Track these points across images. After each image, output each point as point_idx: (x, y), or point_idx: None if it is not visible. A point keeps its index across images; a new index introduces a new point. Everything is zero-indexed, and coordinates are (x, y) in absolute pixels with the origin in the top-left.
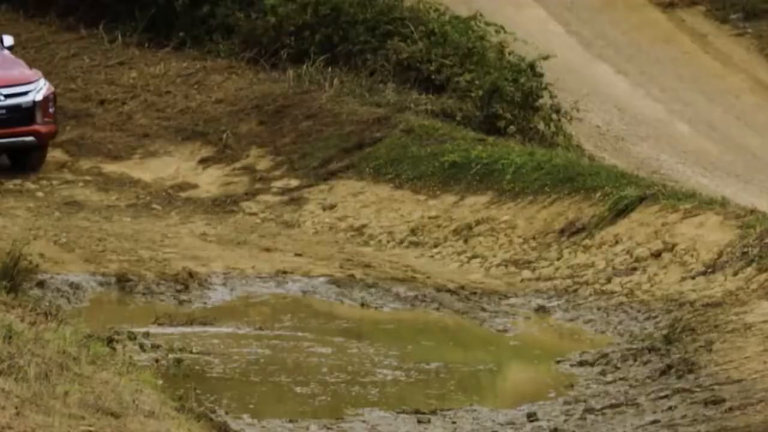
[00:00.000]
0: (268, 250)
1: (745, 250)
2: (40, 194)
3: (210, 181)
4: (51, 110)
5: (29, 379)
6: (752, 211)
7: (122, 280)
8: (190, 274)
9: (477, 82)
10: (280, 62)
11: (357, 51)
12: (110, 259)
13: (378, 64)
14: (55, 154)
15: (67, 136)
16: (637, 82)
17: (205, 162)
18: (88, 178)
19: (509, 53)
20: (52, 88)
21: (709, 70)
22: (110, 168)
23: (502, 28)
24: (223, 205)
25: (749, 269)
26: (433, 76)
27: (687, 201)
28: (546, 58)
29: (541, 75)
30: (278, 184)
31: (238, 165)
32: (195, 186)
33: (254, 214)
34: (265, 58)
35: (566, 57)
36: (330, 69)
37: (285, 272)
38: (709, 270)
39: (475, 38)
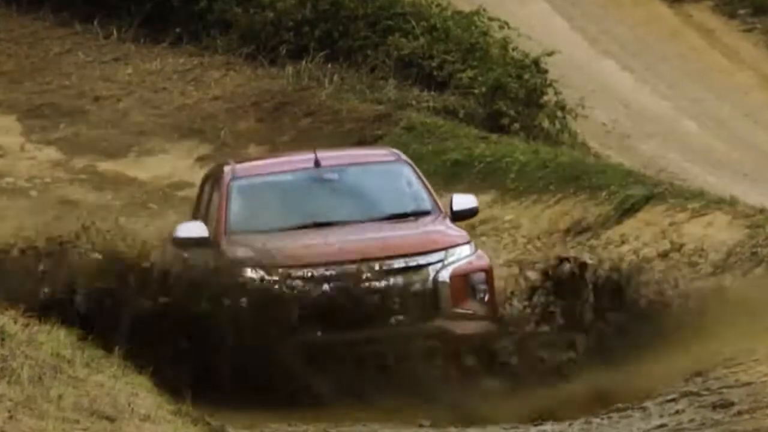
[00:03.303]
0: None
1: (755, 250)
2: (33, 193)
3: None
4: (480, 296)
5: (22, 382)
6: (761, 210)
7: None
8: None
9: (480, 78)
10: (278, 58)
11: (357, 47)
12: None
13: (379, 60)
14: (49, 153)
15: (61, 133)
16: (643, 78)
17: (202, 160)
18: (82, 176)
19: (513, 49)
20: (485, 260)
21: (717, 66)
22: (105, 166)
23: (506, 23)
24: None
25: (758, 269)
26: (435, 73)
27: (695, 200)
28: (550, 54)
29: (546, 71)
30: None
31: None
32: (192, 185)
33: None
34: (264, 53)
35: (571, 53)
36: (330, 65)
37: None
38: (718, 270)
39: (478, 34)
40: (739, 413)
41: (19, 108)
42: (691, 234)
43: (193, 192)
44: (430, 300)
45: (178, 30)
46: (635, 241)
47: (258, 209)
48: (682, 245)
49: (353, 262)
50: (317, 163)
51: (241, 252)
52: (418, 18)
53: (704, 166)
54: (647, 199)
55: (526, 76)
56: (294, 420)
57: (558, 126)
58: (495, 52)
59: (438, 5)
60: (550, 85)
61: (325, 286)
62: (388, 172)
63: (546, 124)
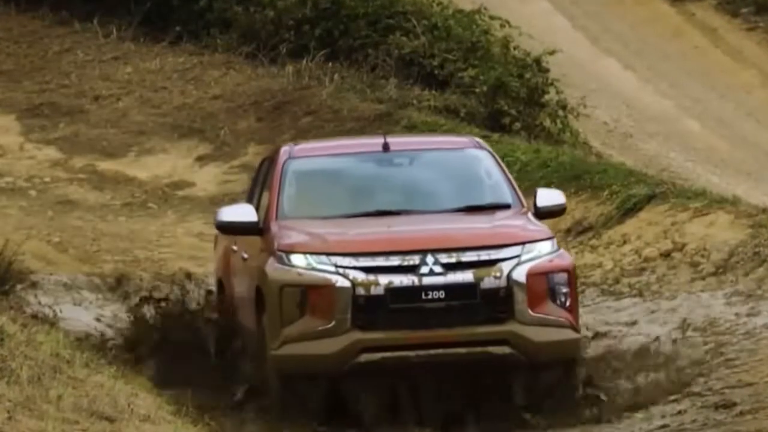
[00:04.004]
0: None
1: (757, 250)
2: (32, 193)
3: (207, 179)
4: (561, 299)
5: (22, 382)
6: (764, 210)
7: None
8: (187, 275)
9: (481, 77)
10: (279, 57)
11: (358, 45)
12: (105, 259)
13: (380, 59)
14: (48, 152)
15: (61, 133)
16: (645, 77)
17: (202, 159)
18: (82, 176)
19: (514, 48)
20: (568, 260)
21: (720, 65)
22: (105, 166)
23: (507, 22)
24: (220, 203)
25: (761, 269)
26: (436, 72)
27: (697, 199)
28: (552, 53)
29: (547, 70)
30: None
31: (236, 162)
32: (192, 184)
33: None
34: (264, 52)
35: (572, 52)
36: (330, 64)
37: None
38: (720, 270)
39: (479, 32)
40: (742, 414)
41: (18, 107)
42: (693, 234)
43: (192, 192)
44: (503, 300)
45: (177, 29)
46: (637, 240)
47: (315, 193)
48: (684, 245)
49: (416, 252)
50: (386, 147)
51: (290, 237)
52: (419, 17)
53: (706, 166)
54: (649, 199)
55: (528, 75)
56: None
57: (559, 125)
58: (496, 51)
59: (439, 4)
60: (552, 84)
61: (383, 279)
62: (465, 160)
63: (547, 123)
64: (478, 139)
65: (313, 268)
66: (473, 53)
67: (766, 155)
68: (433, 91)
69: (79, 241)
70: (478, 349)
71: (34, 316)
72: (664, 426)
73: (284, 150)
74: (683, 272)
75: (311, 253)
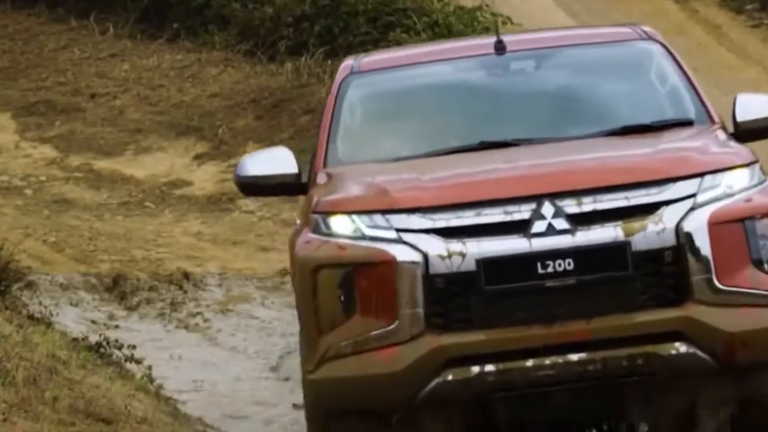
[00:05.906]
0: (265, 249)
1: None
2: (28, 192)
3: (205, 178)
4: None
5: (17, 383)
6: None
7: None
8: (185, 275)
9: None
10: (277, 54)
11: (358, 43)
12: (101, 259)
13: None
14: (44, 151)
15: (57, 131)
16: None
17: (200, 158)
18: (78, 174)
19: None
20: None
21: (724, 62)
22: (101, 164)
23: (509, 19)
24: (218, 203)
25: None
26: None
27: None
28: None
29: None
30: None
31: (234, 161)
32: (189, 183)
33: (251, 212)
34: (263, 50)
35: None
36: (330, 61)
37: (284, 273)
38: None
39: (480, 29)
40: None
41: (13, 105)
42: None
43: (190, 190)
44: (670, 267)
45: (175, 26)
46: None
47: (389, 123)
48: None
49: (525, 198)
50: (500, 47)
51: (334, 192)
52: (420, 13)
53: None
54: None
55: None
56: None
57: None
58: None
59: (440, 0)
60: None
61: (473, 245)
62: (624, 59)
63: None
64: (646, 28)
65: (363, 236)
66: None
67: None
68: None
69: (76, 240)
70: (634, 350)
71: (30, 317)
72: None
73: (345, 65)
74: None
75: (360, 213)
